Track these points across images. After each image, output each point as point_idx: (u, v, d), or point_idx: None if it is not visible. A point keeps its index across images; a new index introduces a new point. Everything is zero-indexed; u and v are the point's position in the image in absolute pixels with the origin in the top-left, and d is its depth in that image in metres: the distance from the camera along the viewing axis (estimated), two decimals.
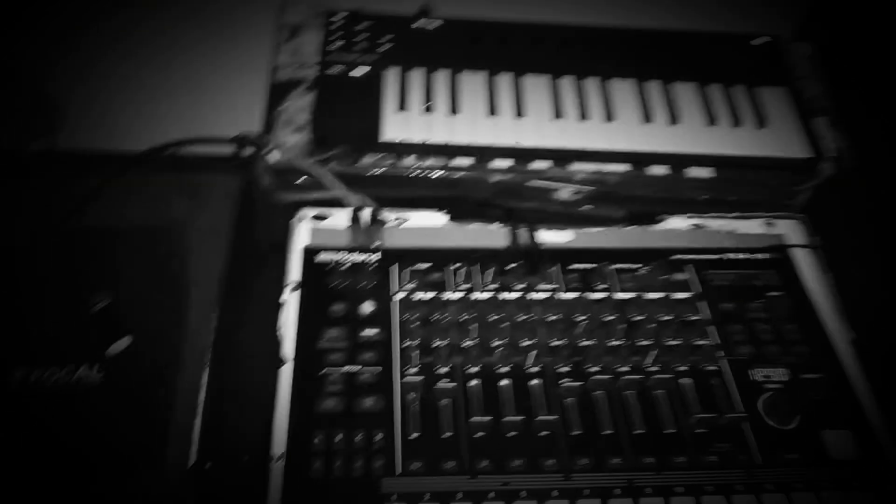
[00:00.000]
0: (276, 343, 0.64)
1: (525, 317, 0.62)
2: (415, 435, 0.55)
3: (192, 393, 0.66)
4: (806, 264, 0.72)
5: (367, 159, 0.77)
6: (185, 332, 0.69)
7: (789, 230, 0.76)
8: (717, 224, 0.77)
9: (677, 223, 0.77)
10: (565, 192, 0.78)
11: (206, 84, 0.98)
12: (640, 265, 0.67)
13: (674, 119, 0.79)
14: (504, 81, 0.81)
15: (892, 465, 0.56)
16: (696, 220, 0.77)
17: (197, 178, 0.83)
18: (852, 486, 0.54)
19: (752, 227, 0.76)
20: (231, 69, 0.97)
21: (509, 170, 0.77)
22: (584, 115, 0.79)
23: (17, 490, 0.60)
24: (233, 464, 0.63)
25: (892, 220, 0.82)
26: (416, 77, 0.80)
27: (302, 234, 0.74)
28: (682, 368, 0.60)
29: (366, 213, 0.74)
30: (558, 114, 0.79)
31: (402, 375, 0.58)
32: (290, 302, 0.66)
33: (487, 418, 0.55)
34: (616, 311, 0.64)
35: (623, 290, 0.65)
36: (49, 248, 0.75)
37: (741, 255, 0.69)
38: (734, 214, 0.77)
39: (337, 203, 0.76)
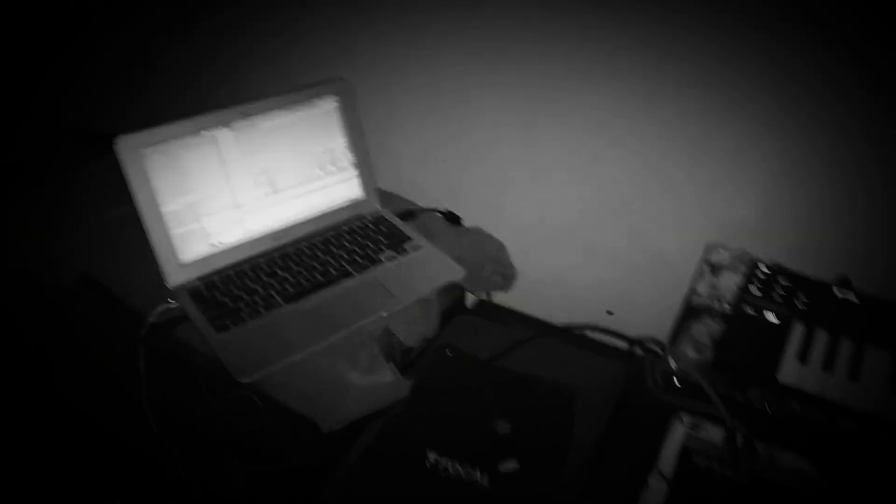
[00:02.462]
0: None
1: None
2: None
3: None
4: None
5: (754, 393, 0.86)
6: (558, 479, 0.84)
7: None
8: None
9: None
10: None
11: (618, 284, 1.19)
12: None
13: None
14: None
15: None
16: None
17: (596, 359, 1.01)
18: None
19: None
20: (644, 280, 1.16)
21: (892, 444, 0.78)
22: None
23: None
24: None
25: None
26: (821, 337, 0.88)
27: (678, 434, 0.84)
28: None
29: (740, 438, 0.83)
30: None
31: None
32: (655, 486, 0.77)
33: None
34: None
35: None
36: (480, 373, 0.97)
37: None
38: None
39: (712, 419, 0.85)
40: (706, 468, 0.75)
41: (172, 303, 0.96)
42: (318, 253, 1.05)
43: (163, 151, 0.94)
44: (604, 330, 1.08)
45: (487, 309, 1.19)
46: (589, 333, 1.10)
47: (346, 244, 1.07)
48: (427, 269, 1.04)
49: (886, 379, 0.83)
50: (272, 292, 0.97)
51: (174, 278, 0.98)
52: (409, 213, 1.17)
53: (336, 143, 1.10)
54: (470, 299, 1.19)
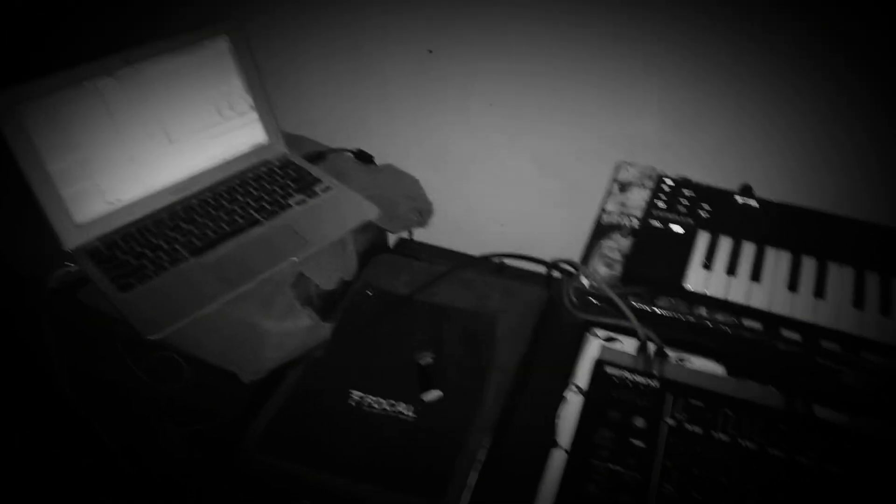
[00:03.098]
0: (551, 428, 0.76)
1: (787, 477, 0.67)
2: None
3: (474, 450, 0.81)
4: None
5: (664, 302, 0.89)
6: (481, 402, 0.85)
7: None
8: None
9: None
10: (849, 377, 0.81)
11: (534, 210, 1.20)
12: None
13: None
14: (807, 263, 0.88)
15: None
16: None
17: (515, 284, 1.02)
18: None
19: None
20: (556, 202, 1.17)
21: (797, 343, 0.82)
22: (886, 311, 0.82)
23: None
24: None
25: None
26: (724, 243, 0.91)
27: (593, 348, 0.87)
28: None
29: (651, 346, 0.86)
30: (859, 303, 0.83)
31: (659, 489, 0.67)
32: (573, 399, 0.79)
33: None
34: (877, 499, 0.65)
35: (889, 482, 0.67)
36: (399, 310, 0.97)
37: None
38: None
39: (626, 332, 0.88)
40: (619, 378, 0.77)
41: (71, 266, 0.92)
42: (224, 202, 1.01)
43: (41, 106, 0.88)
44: (522, 257, 1.09)
45: (408, 247, 1.19)
46: (508, 261, 1.11)
47: (253, 191, 1.04)
48: (339, 210, 1.02)
49: (786, 278, 0.87)
50: (177, 246, 0.94)
51: (71, 240, 0.93)
52: (319, 155, 1.14)
53: (232, 87, 1.05)
54: (391, 238, 1.18)
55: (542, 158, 1.16)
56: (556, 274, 1.04)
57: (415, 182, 1.13)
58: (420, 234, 1.18)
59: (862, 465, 0.68)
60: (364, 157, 1.16)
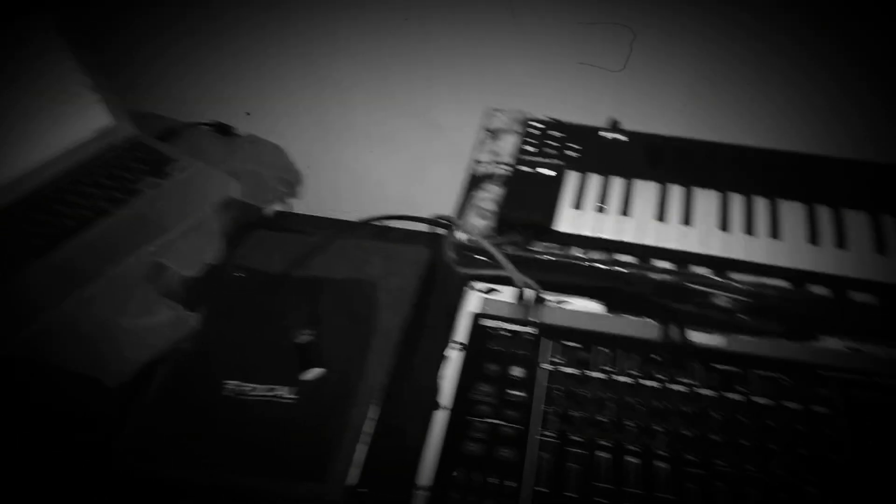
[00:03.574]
0: (436, 390, 0.75)
1: (661, 404, 0.67)
2: (543, 490, 0.62)
3: (359, 424, 0.78)
4: None
5: (539, 247, 0.88)
6: (365, 373, 0.82)
7: None
8: (877, 351, 0.76)
9: (834, 344, 0.78)
10: (722, 300, 0.82)
11: (411, 168, 1.16)
12: (783, 376, 0.69)
13: (840, 243, 0.81)
14: (675, 192, 0.88)
15: None
16: (854, 344, 0.77)
17: (394, 246, 0.99)
18: None
19: None
20: (434, 158, 1.14)
21: (669, 271, 0.83)
22: (749, 231, 0.84)
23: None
24: (387, 487, 0.73)
25: None
26: (594, 181, 0.90)
27: (472, 302, 0.85)
28: (811, 478, 0.61)
29: (529, 293, 0.84)
30: (724, 227, 0.84)
31: (540, 435, 0.66)
32: (454, 357, 0.77)
33: (609, 487, 0.61)
34: (751, 414, 0.66)
35: (762, 396, 0.68)
36: (272, 287, 0.92)
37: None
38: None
39: (507, 281, 0.87)
40: (496, 329, 0.75)
41: None
42: (66, 195, 0.93)
43: None
44: (400, 217, 1.05)
45: (286, 220, 1.13)
46: (388, 223, 1.07)
47: (99, 179, 0.95)
48: (197, 189, 0.95)
49: (654, 209, 0.87)
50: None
51: None
52: (170, 132, 1.06)
53: (61, 69, 0.95)
54: (265, 213, 1.11)
55: (414, 112, 1.13)
56: (438, 231, 1.01)
57: (281, 151, 1.07)
58: (300, 206, 1.12)
59: (738, 386, 0.69)
60: (223, 130, 1.09)
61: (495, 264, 0.87)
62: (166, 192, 0.94)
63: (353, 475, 0.74)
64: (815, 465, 0.62)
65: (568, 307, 0.84)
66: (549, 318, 0.81)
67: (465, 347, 0.75)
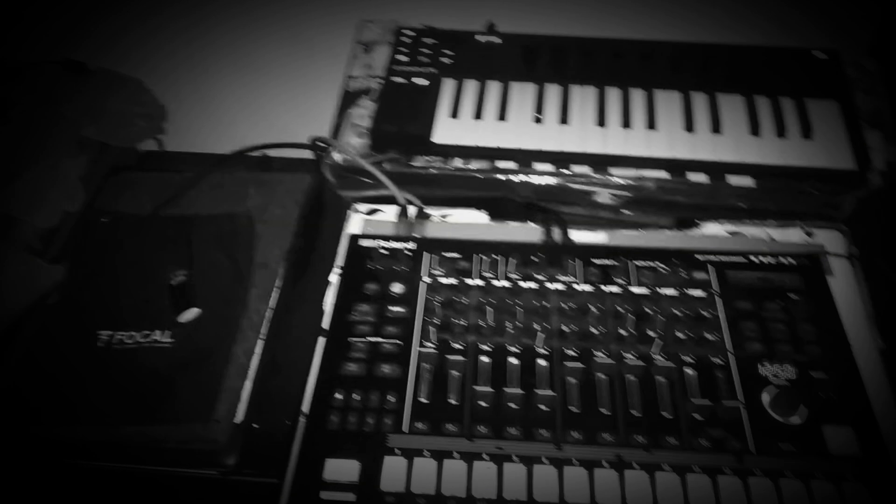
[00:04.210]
0: (320, 317, 0.72)
1: (540, 304, 0.66)
2: (424, 400, 0.61)
3: (247, 359, 0.75)
4: (840, 273, 0.72)
5: (419, 161, 0.84)
6: (246, 307, 0.78)
7: (828, 240, 0.75)
8: (755, 232, 0.77)
9: (713, 229, 0.78)
10: (604, 197, 0.81)
11: (287, 93, 1.10)
12: (661, 264, 0.69)
13: (716, 128, 0.81)
14: (552, 92, 0.86)
15: (890, 460, 0.55)
16: (732, 227, 0.78)
17: (274, 176, 0.93)
18: (844, 479, 0.54)
19: (790, 235, 0.76)
20: (310, 80, 1.08)
21: (550, 173, 0.81)
22: (626, 124, 0.83)
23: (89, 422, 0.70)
24: (274, 420, 0.71)
25: None
26: (470, 87, 0.87)
27: (355, 224, 0.82)
28: (687, 359, 0.62)
29: (412, 209, 0.82)
30: (602, 122, 0.83)
31: (420, 347, 0.64)
32: (336, 282, 0.74)
33: (490, 389, 0.60)
34: (630, 303, 0.66)
35: (640, 286, 0.68)
36: (142, 230, 0.86)
37: (766, 260, 0.69)
38: (772, 222, 0.78)
39: (390, 200, 0.83)
40: (375, 248, 0.73)
41: None
42: None
43: None
44: (274, 145, 0.99)
45: (159, 159, 1.05)
46: (267, 153, 1.01)
47: None
48: (41, 133, 0.87)
49: (531, 112, 0.84)
50: None
51: None
52: (12, 74, 0.96)
53: None
54: (129, 152, 1.04)
55: (286, 34, 1.06)
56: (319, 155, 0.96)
57: (141, 86, 0.99)
58: (169, 143, 1.05)
59: (617, 279, 0.69)
60: (74, 67, 1.00)
61: (376, 183, 0.84)
62: (6, 139, 0.86)
63: (240, 411, 0.71)
64: (693, 347, 0.63)
65: (451, 220, 0.81)
66: (431, 233, 0.79)
67: (343, 270, 0.72)
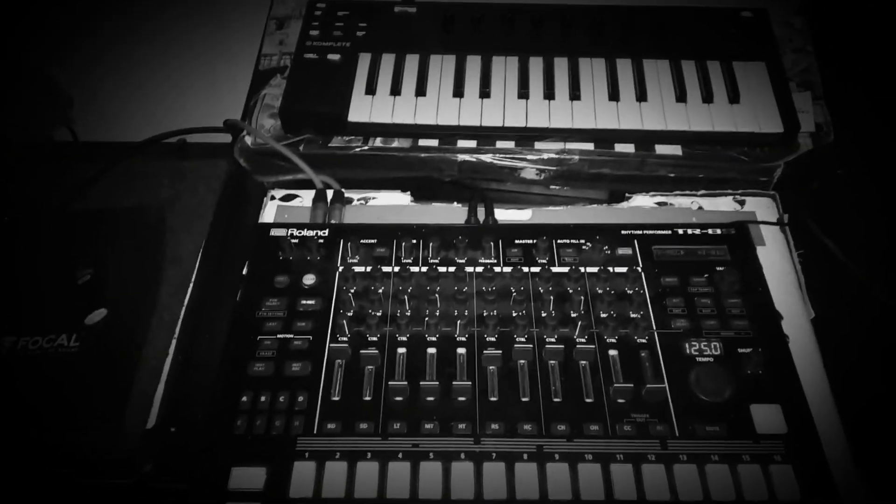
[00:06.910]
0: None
1: (460, 289, 0.63)
2: (336, 398, 0.57)
3: (159, 361, 0.70)
4: (771, 241, 0.70)
5: (336, 142, 0.80)
6: (157, 306, 0.74)
7: (760, 208, 0.73)
8: (684, 202, 0.75)
9: (642, 201, 0.76)
10: (529, 172, 0.78)
11: (198, 77, 1.04)
12: (583, 240, 0.66)
13: (642, 96, 0.78)
14: (472, 63, 0.82)
15: (816, 438, 0.54)
16: (661, 199, 0.76)
17: (186, 164, 0.88)
18: (772, 460, 0.52)
19: (720, 204, 0.74)
20: (222, 62, 1.02)
21: (473, 150, 0.78)
22: (550, 96, 0.79)
23: None
24: (193, 423, 0.67)
25: (869, 198, 0.77)
26: (387, 61, 0.82)
27: (269, 212, 0.77)
28: (610, 340, 0.59)
29: (329, 193, 0.77)
30: (525, 94, 0.79)
31: (332, 342, 0.60)
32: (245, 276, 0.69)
33: (404, 383, 0.57)
34: (551, 284, 0.63)
35: (562, 265, 0.65)
36: (46, 228, 0.81)
37: (693, 231, 0.67)
38: (701, 192, 0.75)
39: (305, 185, 0.79)
40: (286, 238, 0.68)
41: None
42: None
43: None
44: (190, 130, 0.94)
45: (57, 150, 0.98)
46: (183, 138, 0.96)
47: None
48: None
49: (451, 86, 0.80)
50: None
51: None
52: None
53: None
54: (30, 145, 0.97)
55: (195, 11, 0.99)
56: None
57: (42, 73, 0.93)
58: (78, 133, 0.98)
59: (539, 259, 0.66)
60: None
61: (292, 167, 0.79)
62: None
63: (153, 415, 0.67)
64: (617, 328, 0.60)
65: (373, 203, 0.77)
66: (349, 217, 0.74)
67: (251, 263, 0.68)
